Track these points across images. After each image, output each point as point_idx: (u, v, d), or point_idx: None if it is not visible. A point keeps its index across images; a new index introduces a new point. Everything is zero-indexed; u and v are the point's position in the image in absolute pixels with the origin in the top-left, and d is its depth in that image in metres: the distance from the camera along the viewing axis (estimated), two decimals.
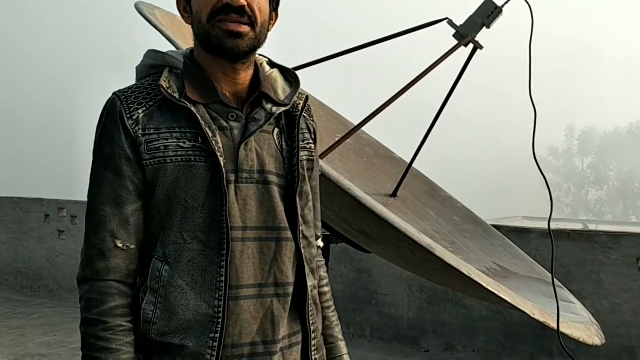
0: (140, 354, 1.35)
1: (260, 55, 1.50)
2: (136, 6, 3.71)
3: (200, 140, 1.33)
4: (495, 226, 4.80)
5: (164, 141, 1.33)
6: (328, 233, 3.26)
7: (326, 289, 1.60)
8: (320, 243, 1.60)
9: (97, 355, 1.31)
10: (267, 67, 1.50)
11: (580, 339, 3.04)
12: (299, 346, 1.43)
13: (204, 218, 1.33)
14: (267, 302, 1.36)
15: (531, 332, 5.25)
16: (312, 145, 1.51)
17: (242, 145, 1.36)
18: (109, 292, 1.33)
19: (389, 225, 2.69)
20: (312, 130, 1.53)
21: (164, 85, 1.36)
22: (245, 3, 1.34)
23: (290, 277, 1.39)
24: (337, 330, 1.58)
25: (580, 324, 3.26)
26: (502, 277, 3.76)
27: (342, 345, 1.59)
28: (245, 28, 1.35)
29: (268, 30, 1.43)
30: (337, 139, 3.46)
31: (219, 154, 1.33)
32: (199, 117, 1.34)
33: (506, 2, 3.84)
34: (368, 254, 3.88)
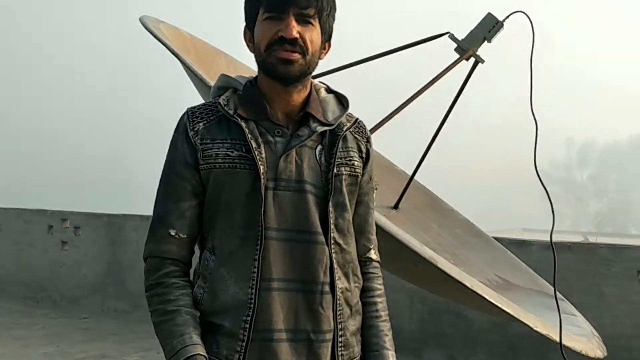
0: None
1: (320, 82, 1.71)
2: (141, 20, 3.75)
3: (245, 151, 1.54)
4: (496, 238, 4.83)
5: (216, 150, 1.55)
6: None
7: (378, 299, 1.70)
8: (374, 255, 1.73)
9: (159, 307, 1.53)
10: (323, 93, 1.68)
11: (583, 352, 3.06)
12: (330, 343, 1.57)
13: (244, 217, 1.53)
14: (294, 296, 1.54)
15: (533, 344, 5.25)
16: (357, 163, 1.65)
17: (283, 157, 1.55)
18: (164, 263, 1.57)
19: (392, 238, 2.72)
20: (363, 150, 1.68)
21: (222, 103, 1.59)
22: (297, 36, 1.52)
23: (318, 277, 1.55)
24: (386, 340, 1.67)
25: (582, 337, 3.28)
26: (504, 289, 3.78)
27: (388, 354, 1.66)
28: (296, 56, 1.53)
29: (320, 59, 1.61)
30: None
31: (260, 163, 1.52)
32: (247, 131, 1.55)
33: (507, 17, 3.89)
34: None
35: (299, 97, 1.60)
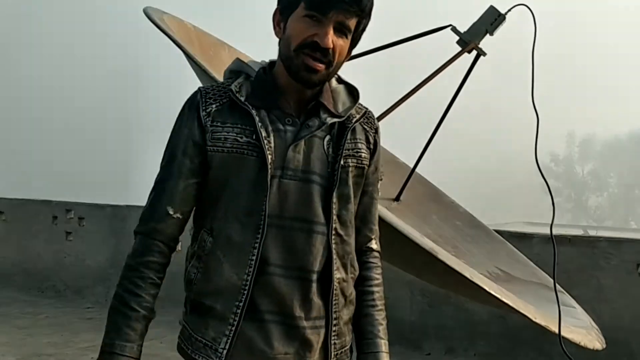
0: (185, 306, 1.63)
1: None
2: (145, 11, 3.76)
3: (254, 138, 1.54)
4: (497, 231, 4.85)
5: (225, 134, 1.55)
6: None
7: (375, 289, 1.71)
8: (375, 245, 1.75)
9: (123, 295, 1.55)
10: (334, 83, 1.68)
11: (582, 344, 3.08)
12: (323, 330, 1.59)
13: (247, 203, 1.53)
14: (290, 283, 1.54)
15: (532, 336, 5.29)
16: (364, 155, 1.65)
17: (292, 147, 1.56)
18: (152, 248, 1.57)
19: (393, 229, 2.75)
20: (371, 141, 1.69)
21: (234, 90, 1.58)
22: (331, 46, 1.51)
23: (315, 266, 1.56)
24: (379, 329, 1.67)
25: (581, 329, 3.30)
26: (505, 281, 3.81)
27: (381, 343, 1.66)
28: (321, 67, 1.53)
29: (340, 66, 1.61)
30: None
31: (268, 152, 1.53)
32: (257, 119, 1.55)
33: (509, 10, 3.89)
34: None
35: (312, 92, 1.60)
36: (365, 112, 1.69)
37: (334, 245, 1.57)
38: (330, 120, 1.59)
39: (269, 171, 1.52)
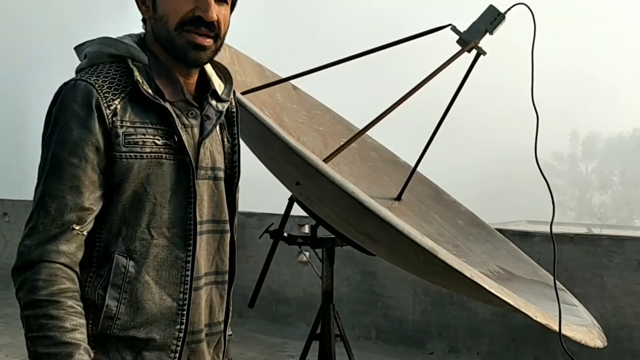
0: (96, 349, 1.32)
1: None
2: None
3: (171, 139, 1.35)
4: (499, 230, 4.84)
5: (142, 136, 1.32)
6: (334, 236, 3.32)
7: None
8: None
9: (50, 334, 1.23)
10: None
11: (583, 342, 3.08)
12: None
13: (169, 214, 1.36)
14: (209, 289, 1.46)
15: (535, 335, 5.28)
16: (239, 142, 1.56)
17: (202, 144, 1.41)
18: (59, 274, 1.27)
19: (393, 229, 2.74)
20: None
21: (140, 81, 1.34)
22: (217, 18, 1.36)
23: (227, 266, 1.48)
24: None
25: (582, 327, 3.29)
26: (506, 280, 3.80)
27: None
28: (209, 42, 1.37)
29: (224, 38, 1.45)
30: (342, 143, 3.51)
31: (190, 151, 1.36)
32: (175, 116, 1.36)
33: (509, 9, 3.89)
34: (373, 257, 3.93)
35: (196, 75, 1.45)
36: (234, 93, 1.53)
37: (236, 241, 1.49)
38: (222, 107, 1.46)
39: (194, 173, 1.36)
